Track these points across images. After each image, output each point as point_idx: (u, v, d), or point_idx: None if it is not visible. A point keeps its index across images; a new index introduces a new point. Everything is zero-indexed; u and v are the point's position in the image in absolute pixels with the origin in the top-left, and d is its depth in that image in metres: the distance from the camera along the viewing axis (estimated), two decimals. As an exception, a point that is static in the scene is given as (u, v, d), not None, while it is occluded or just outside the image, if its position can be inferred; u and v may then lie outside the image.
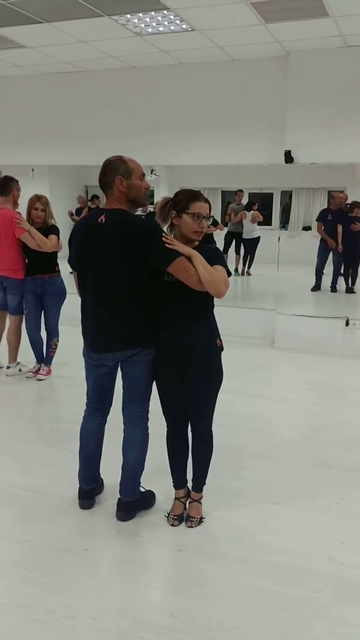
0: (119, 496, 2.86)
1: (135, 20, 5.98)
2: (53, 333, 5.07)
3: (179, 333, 2.60)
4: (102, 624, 2.17)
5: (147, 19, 5.94)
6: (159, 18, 5.90)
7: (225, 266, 2.57)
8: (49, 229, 4.81)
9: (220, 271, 2.52)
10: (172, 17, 5.84)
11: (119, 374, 2.81)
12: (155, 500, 2.99)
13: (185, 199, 2.57)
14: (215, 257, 2.57)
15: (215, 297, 2.56)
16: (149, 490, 2.98)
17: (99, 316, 2.67)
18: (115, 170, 2.62)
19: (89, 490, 2.97)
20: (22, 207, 4.93)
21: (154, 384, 2.78)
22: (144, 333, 2.66)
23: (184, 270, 2.48)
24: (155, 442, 2.86)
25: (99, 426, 2.92)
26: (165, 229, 2.64)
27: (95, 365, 2.78)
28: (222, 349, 2.70)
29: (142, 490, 2.92)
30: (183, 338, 2.60)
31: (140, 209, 3.42)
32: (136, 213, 2.80)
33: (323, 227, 8.22)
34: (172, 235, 2.62)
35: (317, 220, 8.50)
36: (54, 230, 4.84)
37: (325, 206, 9.50)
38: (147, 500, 2.95)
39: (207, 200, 2.63)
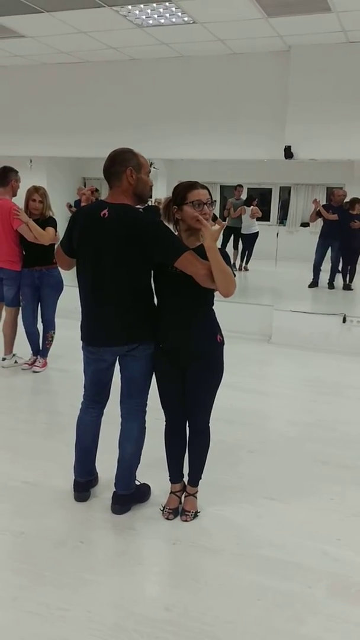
0: (114, 489, 2.86)
1: (137, 12, 5.92)
2: (49, 325, 5.05)
3: (180, 328, 2.59)
4: (97, 616, 2.17)
5: (149, 11, 5.88)
6: (161, 10, 5.84)
7: (232, 268, 2.55)
8: (46, 221, 4.77)
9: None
10: (173, 9, 5.79)
11: (117, 368, 2.80)
12: (150, 493, 2.99)
13: (182, 191, 2.54)
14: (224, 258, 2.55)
15: (222, 296, 2.53)
16: (144, 483, 2.98)
17: (98, 310, 2.65)
18: (126, 162, 2.57)
19: (85, 482, 2.97)
20: (22, 199, 4.88)
21: (153, 378, 2.77)
22: (143, 328, 2.64)
23: (192, 265, 2.46)
24: (151, 436, 2.85)
25: (96, 419, 2.91)
26: (171, 227, 2.60)
27: (94, 359, 2.77)
28: (223, 344, 2.68)
29: (138, 483, 2.92)
30: (184, 333, 2.59)
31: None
32: None
33: (323, 223, 8.22)
34: (178, 232, 2.60)
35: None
36: (52, 222, 4.80)
37: (324, 202, 9.49)
38: (142, 493, 2.95)
39: (204, 187, 2.57)
